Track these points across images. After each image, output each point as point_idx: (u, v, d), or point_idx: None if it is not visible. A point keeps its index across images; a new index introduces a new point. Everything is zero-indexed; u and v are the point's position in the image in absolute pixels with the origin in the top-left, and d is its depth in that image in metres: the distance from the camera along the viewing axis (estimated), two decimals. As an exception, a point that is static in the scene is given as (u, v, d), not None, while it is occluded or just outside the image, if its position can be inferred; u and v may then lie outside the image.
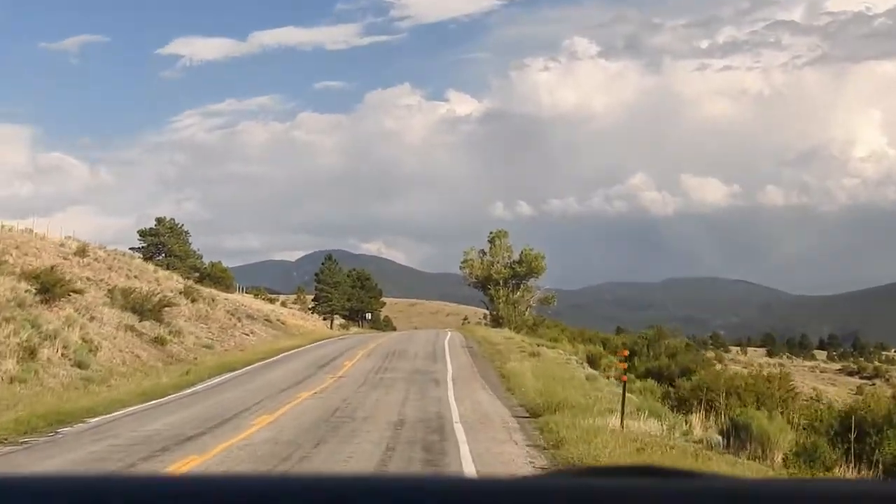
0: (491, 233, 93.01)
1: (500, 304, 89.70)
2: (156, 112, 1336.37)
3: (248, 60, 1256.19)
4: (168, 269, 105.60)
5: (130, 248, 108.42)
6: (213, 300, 65.60)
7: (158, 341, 42.45)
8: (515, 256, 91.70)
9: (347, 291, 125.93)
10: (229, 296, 79.09)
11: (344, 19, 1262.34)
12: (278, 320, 77.17)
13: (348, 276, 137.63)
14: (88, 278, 50.21)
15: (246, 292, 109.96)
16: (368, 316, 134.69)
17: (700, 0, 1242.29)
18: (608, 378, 37.28)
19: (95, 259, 58.73)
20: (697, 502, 1.16)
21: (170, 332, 45.81)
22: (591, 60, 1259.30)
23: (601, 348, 54.63)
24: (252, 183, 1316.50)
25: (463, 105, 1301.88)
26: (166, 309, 49.39)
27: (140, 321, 43.75)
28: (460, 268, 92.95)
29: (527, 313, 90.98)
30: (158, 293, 52.67)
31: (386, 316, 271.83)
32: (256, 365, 40.31)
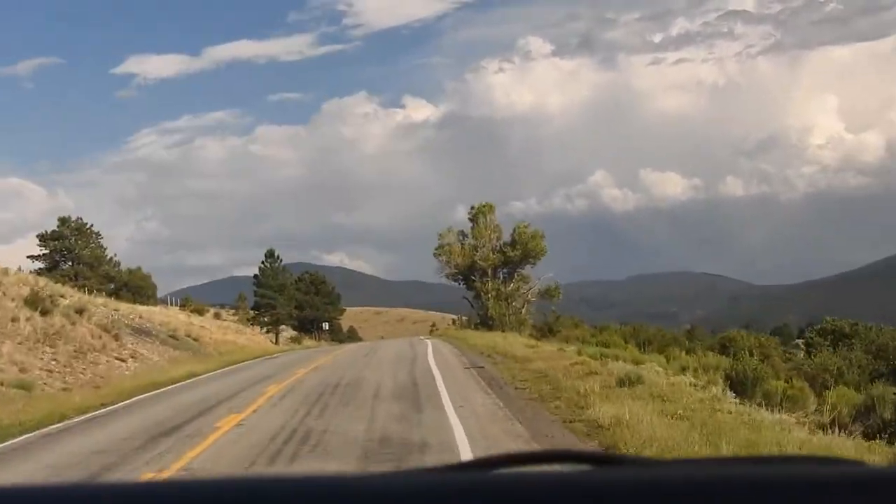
0: (473, 207, 70.74)
1: (488, 299, 67.53)
2: (113, 132, 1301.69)
3: (203, 76, 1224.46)
4: (76, 278, 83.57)
5: (29, 256, 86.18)
6: (80, 312, 43.07)
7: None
8: (506, 237, 69.82)
9: (297, 297, 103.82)
10: (123, 306, 56.47)
11: (297, 30, 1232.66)
12: (189, 336, 54.61)
13: (299, 279, 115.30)
14: None
15: (182, 306, 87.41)
16: (325, 326, 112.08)
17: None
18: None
19: None
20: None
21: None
22: (545, 59, 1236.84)
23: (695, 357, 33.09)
24: (212, 199, 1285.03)
25: (420, 110, 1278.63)
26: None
27: None
28: (435, 254, 70.65)
29: (524, 310, 68.87)
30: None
31: (350, 326, 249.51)
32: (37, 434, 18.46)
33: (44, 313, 39.61)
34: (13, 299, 40.55)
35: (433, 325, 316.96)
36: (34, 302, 40.06)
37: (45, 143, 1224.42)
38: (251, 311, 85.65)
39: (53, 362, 34.15)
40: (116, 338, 42.35)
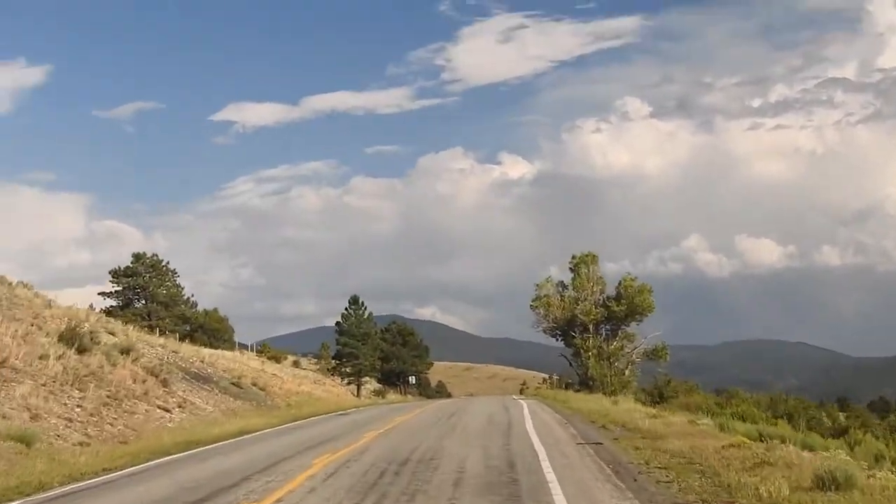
0: (574, 256, 64.06)
1: (589, 358, 60.63)
2: (209, 178, 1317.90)
3: (301, 125, 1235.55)
4: (149, 318, 78.66)
5: (101, 293, 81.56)
6: (125, 352, 37.47)
7: None
8: (610, 290, 62.93)
9: (383, 348, 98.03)
10: (186, 349, 50.93)
11: (395, 83, 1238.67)
12: (255, 385, 48.69)
13: (386, 330, 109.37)
14: None
15: (259, 352, 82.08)
16: (412, 380, 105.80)
17: (751, 58, 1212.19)
18: None
19: None
20: None
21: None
22: (642, 121, 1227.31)
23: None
24: (306, 248, 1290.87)
25: (515, 167, 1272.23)
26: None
27: None
28: (531, 306, 63.99)
29: (627, 371, 61.81)
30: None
31: (439, 381, 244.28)
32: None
33: (81, 351, 34.08)
34: (48, 334, 35.12)
35: (523, 383, 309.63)
36: (70, 338, 34.51)
37: (141, 187, 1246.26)
38: (333, 361, 79.70)
39: (78, 409, 28.46)
40: (164, 383, 36.57)
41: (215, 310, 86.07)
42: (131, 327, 49.47)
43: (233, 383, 45.35)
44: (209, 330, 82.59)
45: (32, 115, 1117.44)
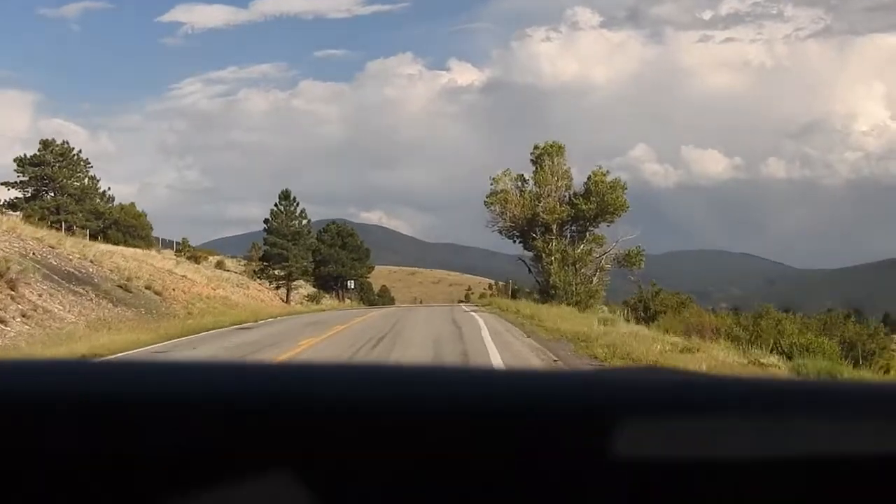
0: (537, 147, 54.97)
1: (552, 263, 52.01)
2: (157, 79, 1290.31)
3: (250, 28, 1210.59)
4: (58, 212, 69.17)
5: (3, 184, 71.67)
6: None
7: None
8: (577, 186, 54.06)
9: (319, 249, 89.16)
10: (72, 243, 41.62)
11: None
12: (151, 288, 39.58)
13: (324, 230, 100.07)
14: None
15: (178, 251, 72.69)
16: (350, 284, 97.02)
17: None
18: None
19: None
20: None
21: None
22: (592, 31, 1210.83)
23: None
24: (253, 151, 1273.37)
25: (464, 74, 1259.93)
26: None
27: None
28: (486, 203, 54.91)
29: (595, 279, 53.33)
30: None
31: (383, 286, 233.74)
32: None
33: None
34: None
35: (469, 289, 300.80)
36: None
37: (88, 87, 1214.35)
38: (261, 263, 70.52)
39: None
40: (11, 285, 27.44)
41: (132, 205, 76.30)
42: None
43: (119, 286, 36.25)
44: (125, 226, 73.14)
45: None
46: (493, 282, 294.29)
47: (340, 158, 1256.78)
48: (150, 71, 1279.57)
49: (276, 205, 69.35)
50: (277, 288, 69.77)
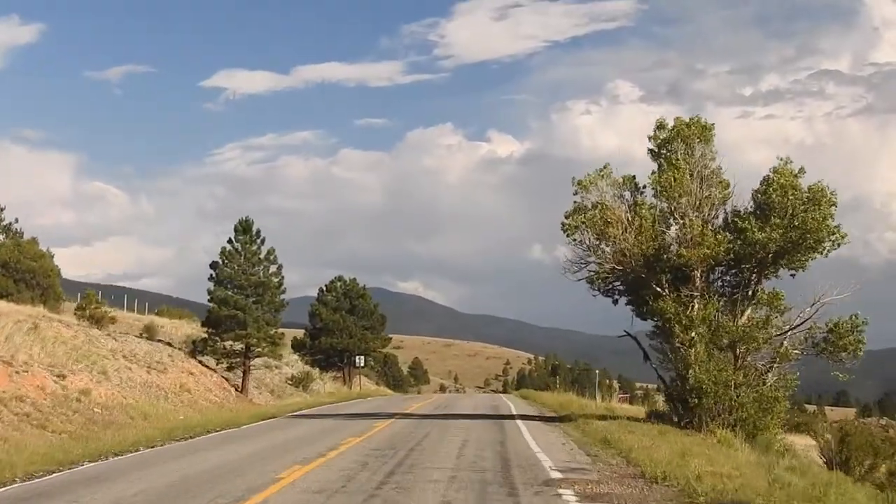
0: (662, 126, 29.37)
1: (692, 342, 26.47)
2: (197, 144, 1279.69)
3: (291, 95, 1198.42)
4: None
5: None
6: None
7: None
8: (741, 200, 28.54)
9: (318, 312, 64.77)
10: None
11: (387, 56, 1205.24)
12: None
13: (327, 290, 75.67)
14: None
15: (79, 307, 47.65)
16: (359, 361, 71.87)
17: (744, 47, 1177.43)
18: None
19: None
20: None
21: None
22: (632, 105, 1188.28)
23: None
24: (292, 217, 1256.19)
25: (504, 145, 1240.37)
26: None
27: None
28: (563, 228, 29.17)
29: (770, 376, 27.57)
30: None
31: (415, 358, 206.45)
32: None
33: None
34: None
35: (507, 362, 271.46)
36: None
37: (130, 150, 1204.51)
38: (204, 331, 45.28)
39: None
40: None
41: (33, 240, 51.64)
42: None
43: None
44: (18, 270, 48.62)
45: (24, 73, 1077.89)
46: (532, 356, 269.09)
47: (378, 227, 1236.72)
48: (191, 135, 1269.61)
49: (230, 241, 44.08)
50: (229, 368, 44.48)
